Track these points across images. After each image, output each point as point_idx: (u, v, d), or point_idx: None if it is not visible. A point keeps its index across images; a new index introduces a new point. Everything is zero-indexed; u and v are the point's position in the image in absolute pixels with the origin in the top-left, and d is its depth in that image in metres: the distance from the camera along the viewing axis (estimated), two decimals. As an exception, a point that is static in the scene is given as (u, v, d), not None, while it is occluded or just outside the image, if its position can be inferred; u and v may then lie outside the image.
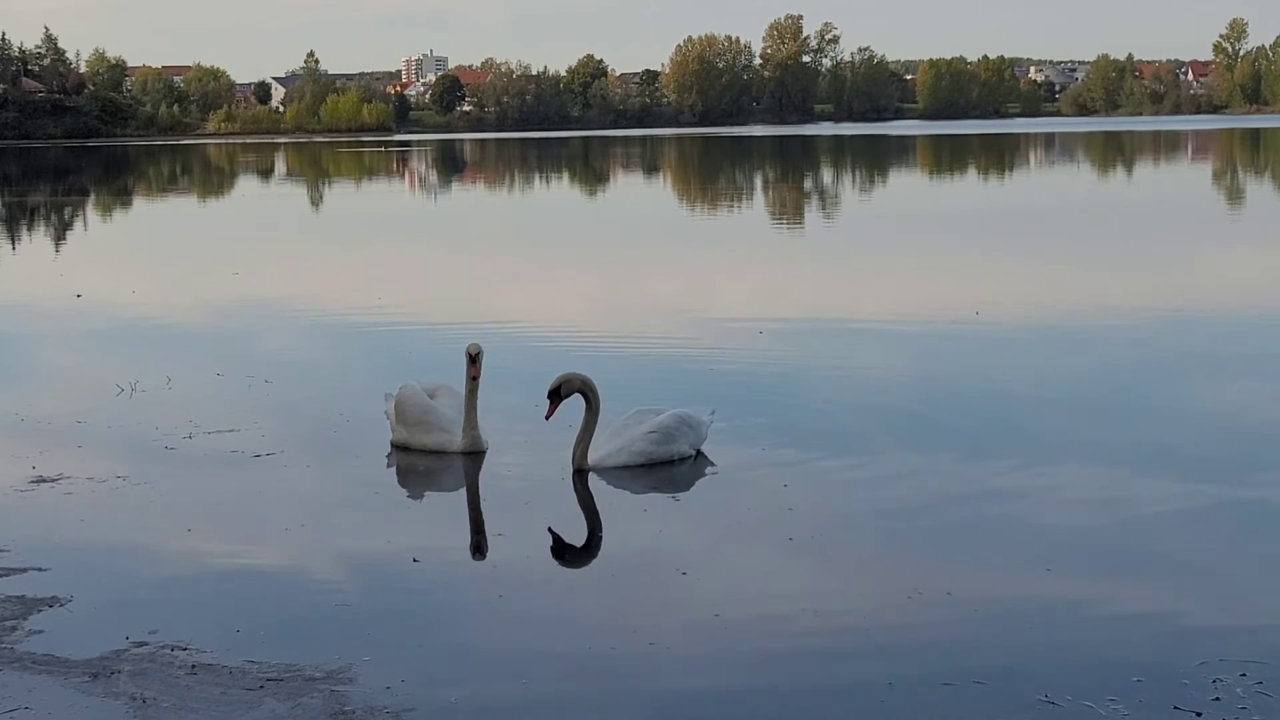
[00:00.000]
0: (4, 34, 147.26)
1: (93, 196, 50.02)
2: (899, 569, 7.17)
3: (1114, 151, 73.66)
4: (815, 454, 9.38)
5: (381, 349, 14.30)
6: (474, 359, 9.37)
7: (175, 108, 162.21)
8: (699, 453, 9.38)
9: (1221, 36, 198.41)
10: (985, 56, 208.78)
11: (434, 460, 9.47)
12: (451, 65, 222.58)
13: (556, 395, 9.12)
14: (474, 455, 9.41)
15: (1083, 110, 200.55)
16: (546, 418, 9.22)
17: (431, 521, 8.43)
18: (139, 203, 46.98)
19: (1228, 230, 28.16)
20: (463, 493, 9.11)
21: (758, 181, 52.28)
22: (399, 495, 9.00)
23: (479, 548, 7.75)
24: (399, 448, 9.69)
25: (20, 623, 6.49)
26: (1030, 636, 6.23)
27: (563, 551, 7.68)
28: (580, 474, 8.98)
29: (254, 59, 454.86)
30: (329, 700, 5.61)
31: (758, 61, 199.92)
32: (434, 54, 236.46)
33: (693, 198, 43.25)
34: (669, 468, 9.14)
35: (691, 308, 16.81)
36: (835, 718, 5.51)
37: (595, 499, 8.64)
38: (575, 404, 9.16)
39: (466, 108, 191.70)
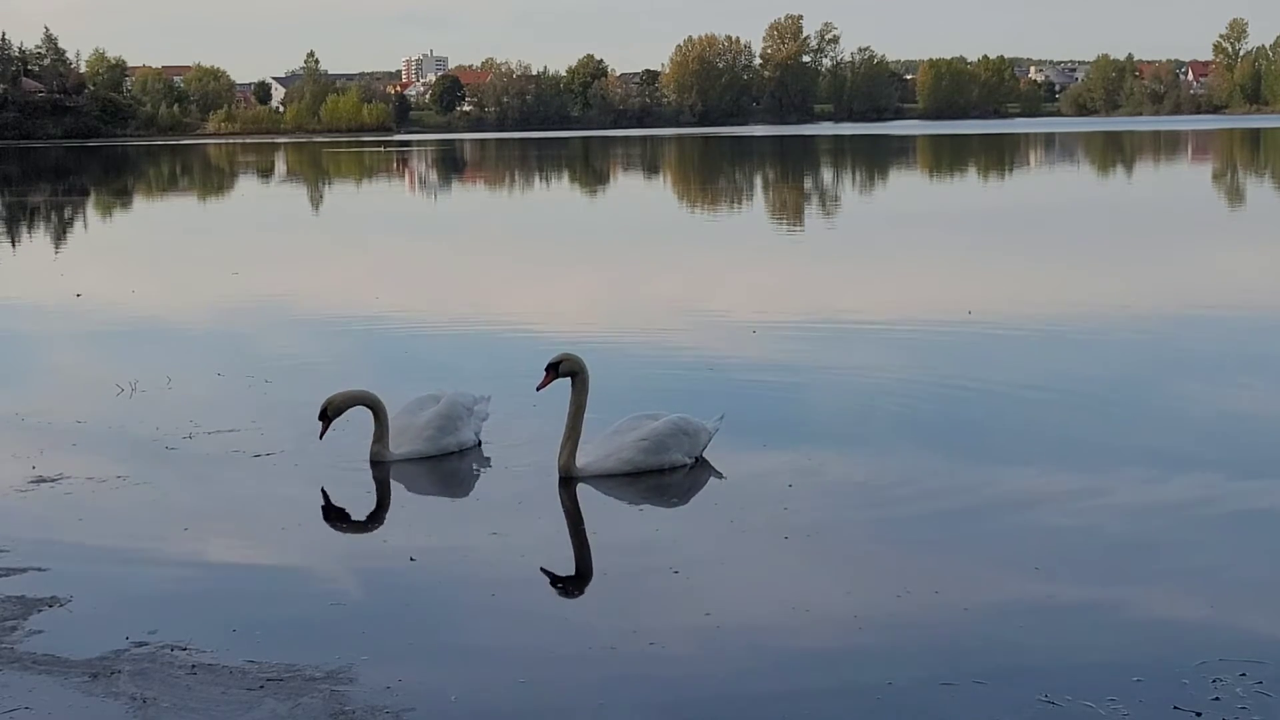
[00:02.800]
0: (4, 34, 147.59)
1: (93, 196, 50.02)
2: (898, 568, 7.17)
3: (1114, 152, 73.65)
4: (810, 453, 9.38)
5: (381, 349, 14.29)
6: (321, 417, 9.37)
7: (175, 108, 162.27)
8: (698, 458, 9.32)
9: (1221, 36, 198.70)
10: (985, 56, 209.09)
11: (432, 461, 9.50)
12: (451, 65, 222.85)
13: (554, 370, 9.05)
14: (378, 465, 9.36)
15: (1083, 110, 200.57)
16: (538, 388, 9.13)
17: (428, 521, 8.43)
18: (139, 203, 46.99)
19: (1226, 230, 28.17)
20: (457, 493, 9.11)
21: (756, 182, 52.29)
22: (397, 495, 9.00)
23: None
24: None
25: (20, 623, 6.49)
26: (1030, 636, 6.22)
27: (558, 551, 7.68)
28: (567, 481, 8.84)
29: (254, 59, 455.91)
30: (329, 700, 5.61)
31: (758, 61, 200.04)
32: (434, 54, 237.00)
33: (691, 198, 43.24)
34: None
35: (687, 307, 16.81)
36: (835, 717, 5.51)
37: (590, 498, 8.63)
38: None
39: (466, 108, 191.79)
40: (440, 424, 9.58)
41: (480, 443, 9.79)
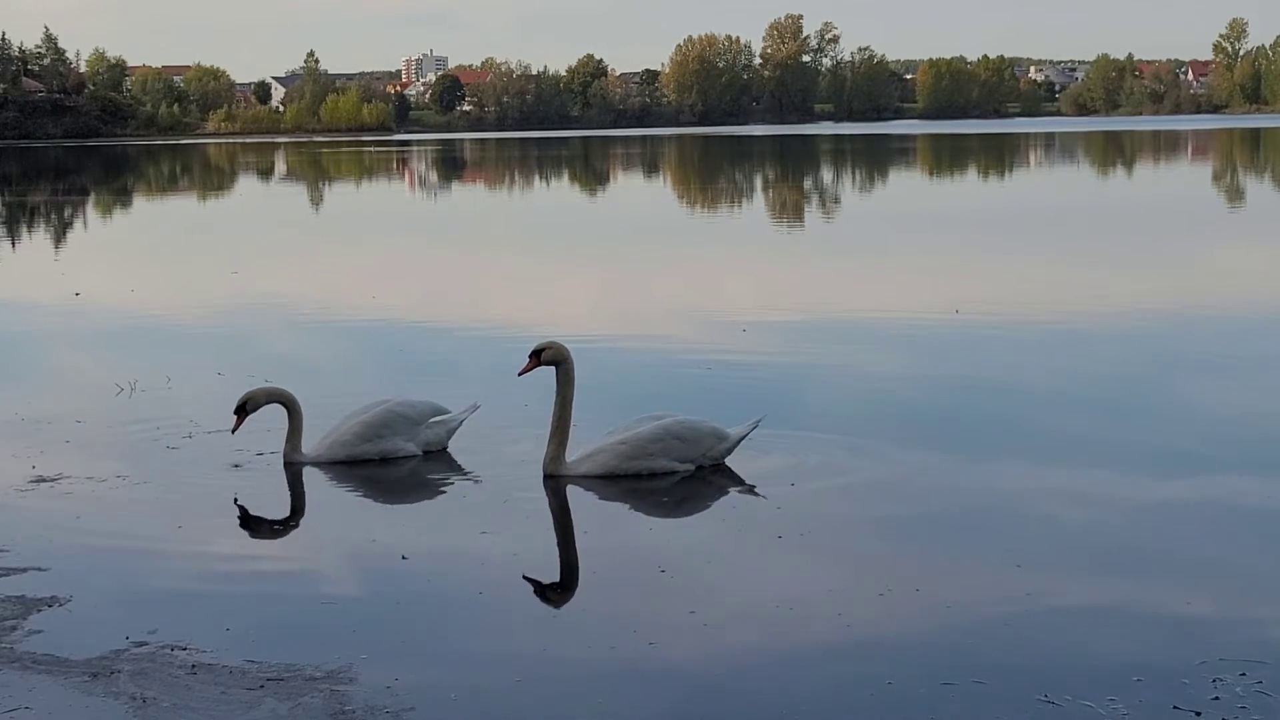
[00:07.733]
0: (4, 34, 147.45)
1: (93, 196, 50.01)
2: (897, 567, 7.17)
3: (1114, 151, 73.64)
4: (803, 451, 9.36)
5: (380, 349, 14.30)
6: (237, 411, 9.43)
7: (175, 108, 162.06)
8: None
9: (1221, 36, 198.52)
10: (985, 56, 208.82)
11: (427, 461, 9.52)
12: (451, 65, 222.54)
13: (537, 356, 8.97)
14: (289, 466, 9.35)
15: (1083, 110, 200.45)
16: (520, 373, 9.08)
17: (422, 521, 8.43)
18: (139, 202, 46.99)
19: (1225, 230, 28.15)
20: (451, 493, 9.10)
21: (756, 182, 52.29)
22: (393, 496, 9.01)
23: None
24: None
25: (20, 623, 6.49)
26: (1029, 636, 6.22)
27: (551, 551, 7.68)
28: (552, 479, 8.80)
29: (254, 59, 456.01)
30: (329, 700, 5.61)
31: (758, 61, 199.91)
32: (434, 54, 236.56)
33: (690, 198, 43.25)
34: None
35: (683, 306, 16.81)
36: (835, 717, 5.51)
37: (583, 498, 8.61)
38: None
39: (466, 107, 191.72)
40: (360, 431, 9.53)
41: (423, 453, 9.62)
